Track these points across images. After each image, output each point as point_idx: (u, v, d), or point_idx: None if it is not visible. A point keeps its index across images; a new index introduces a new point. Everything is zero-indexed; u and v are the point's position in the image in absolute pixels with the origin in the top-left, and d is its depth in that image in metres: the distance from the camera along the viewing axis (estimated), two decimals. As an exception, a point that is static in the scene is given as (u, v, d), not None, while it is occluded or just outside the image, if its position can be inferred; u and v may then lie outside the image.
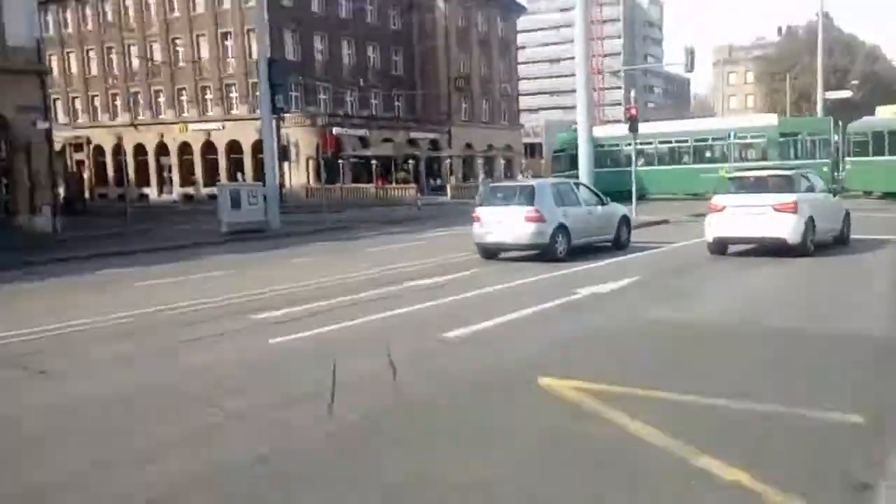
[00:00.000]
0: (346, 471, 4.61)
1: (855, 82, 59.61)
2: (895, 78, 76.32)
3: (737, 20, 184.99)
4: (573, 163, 39.98)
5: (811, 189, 14.42)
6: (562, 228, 14.41)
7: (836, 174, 33.34)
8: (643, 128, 38.97)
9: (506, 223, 14.47)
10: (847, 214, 15.41)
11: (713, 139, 36.69)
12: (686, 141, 37.28)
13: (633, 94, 29.90)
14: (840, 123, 35.80)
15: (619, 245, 16.07)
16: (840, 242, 15.07)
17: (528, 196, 14.57)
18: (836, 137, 34.92)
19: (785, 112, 64.98)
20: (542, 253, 14.37)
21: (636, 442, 4.83)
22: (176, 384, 6.68)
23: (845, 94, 46.72)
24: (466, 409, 5.72)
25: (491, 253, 15.15)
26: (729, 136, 36.04)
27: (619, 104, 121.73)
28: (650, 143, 36.46)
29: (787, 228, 13.20)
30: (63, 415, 5.99)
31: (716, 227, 14.02)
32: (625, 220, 16.51)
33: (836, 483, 4.22)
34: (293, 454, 4.91)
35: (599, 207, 15.91)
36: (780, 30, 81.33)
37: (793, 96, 66.65)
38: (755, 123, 36.85)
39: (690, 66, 34.21)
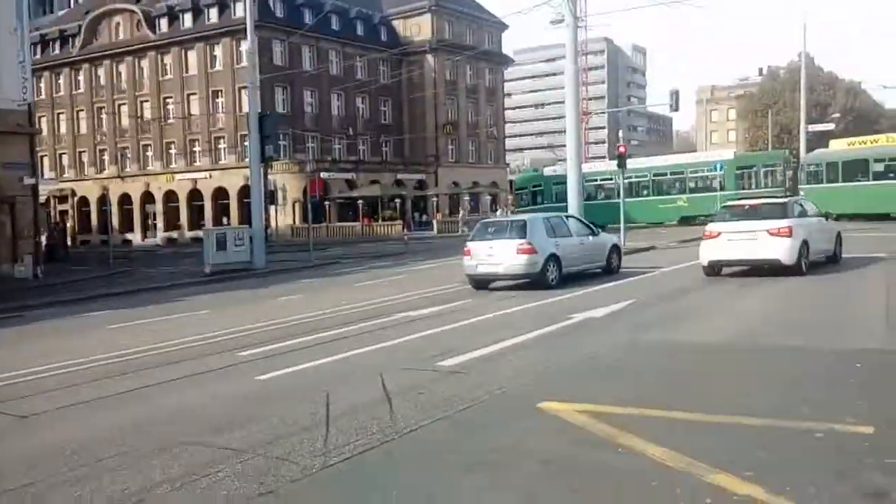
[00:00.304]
0: None
1: (836, 116, 60.62)
2: (874, 111, 77.72)
3: (718, 63, 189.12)
4: (534, 199, 43.09)
5: (804, 214, 14.74)
6: (553, 258, 14.44)
7: None
8: (605, 165, 42.20)
9: (498, 255, 14.44)
10: (839, 236, 15.83)
11: (671, 174, 39.29)
12: (645, 176, 39.70)
13: (620, 133, 30.36)
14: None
15: (609, 271, 16.18)
16: (832, 261, 15.41)
17: (520, 230, 14.61)
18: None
19: (767, 144, 65.98)
20: (534, 282, 14.33)
21: (647, 462, 4.60)
22: (163, 424, 6.36)
23: (828, 126, 47.50)
24: (468, 437, 5.44)
25: (482, 284, 15.11)
26: (715, 167, 37.68)
27: (604, 142, 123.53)
28: (610, 179, 39.12)
29: (782, 250, 13.49)
30: (46, 460, 5.59)
31: (711, 251, 14.30)
32: (615, 249, 16.71)
33: (851, 493, 4.02)
34: (291, 490, 4.60)
35: (590, 237, 16.03)
36: (760, 70, 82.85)
37: (774, 130, 67.64)
38: (712, 158, 39.31)
39: (675, 107, 35.59)
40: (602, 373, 7.24)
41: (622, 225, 24.10)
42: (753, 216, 14.24)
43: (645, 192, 39.72)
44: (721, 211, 15.61)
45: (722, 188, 35.73)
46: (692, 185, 38.12)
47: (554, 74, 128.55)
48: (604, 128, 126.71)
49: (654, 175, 39.97)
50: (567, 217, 17.09)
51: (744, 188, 35.11)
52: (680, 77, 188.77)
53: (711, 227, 14.50)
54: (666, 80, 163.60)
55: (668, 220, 37.15)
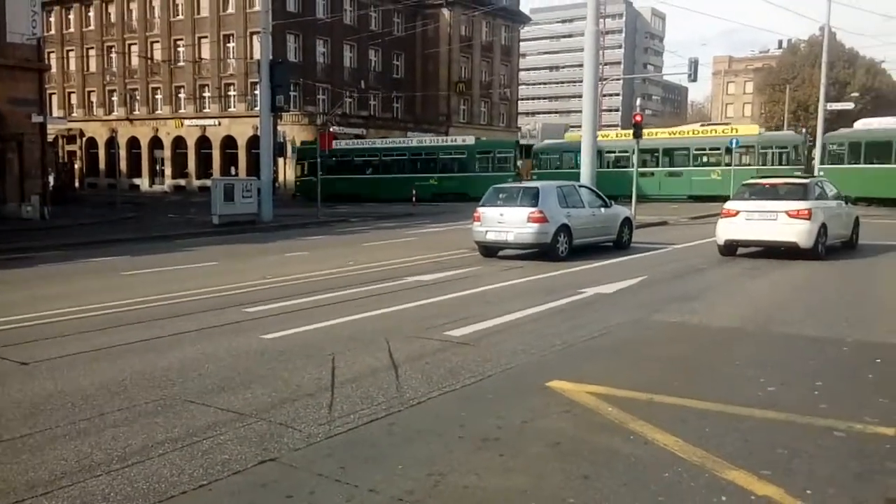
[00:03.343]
0: (352, 477, 4.23)
1: (855, 94, 59.64)
2: (894, 92, 76.50)
3: (737, 34, 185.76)
4: (312, 170, 43.08)
5: (824, 196, 14.45)
6: (564, 228, 14.25)
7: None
8: (375, 143, 45.79)
9: (508, 222, 14.26)
10: (857, 221, 15.61)
11: (425, 154, 42.96)
12: (405, 154, 43.39)
13: (638, 102, 30.04)
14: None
15: (620, 245, 15.99)
16: (849, 247, 15.23)
17: (533, 197, 14.37)
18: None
19: (783, 121, 65.10)
20: (543, 252, 14.19)
21: (659, 452, 4.50)
22: (167, 380, 6.27)
23: (847, 105, 46.63)
24: (475, 413, 5.33)
25: (491, 251, 15.00)
26: (461, 150, 42.01)
27: (618, 110, 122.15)
28: (376, 156, 43.91)
29: (801, 233, 13.34)
30: (46, 410, 5.52)
31: (728, 230, 14.12)
32: (627, 222, 16.43)
33: (874, 498, 3.89)
34: (293, 459, 4.52)
35: (602, 209, 15.74)
36: (780, 43, 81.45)
37: (791, 106, 66.69)
38: (458, 143, 43.23)
39: (694, 77, 35.56)
40: (612, 353, 7.11)
41: (633, 198, 23.76)
42: (773, 196, 14.00)
43: (406, 167, 42.63)
44: (741, 189, 15.35)
45: (464, 170, 40.26)
46: (442, 165, 41.78)
47: (570, 36, 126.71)
48: (618, 95, 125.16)
49: (412, 154, 43.11)
50: (579, 187, 16.58)
51: (482, 171, 40.16)
52: (696, 46, 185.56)
53: (730, 206, 14.26)
54: (683, 48, 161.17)
55: (423, 197, 38.75)
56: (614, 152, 39.96)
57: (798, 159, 36.24)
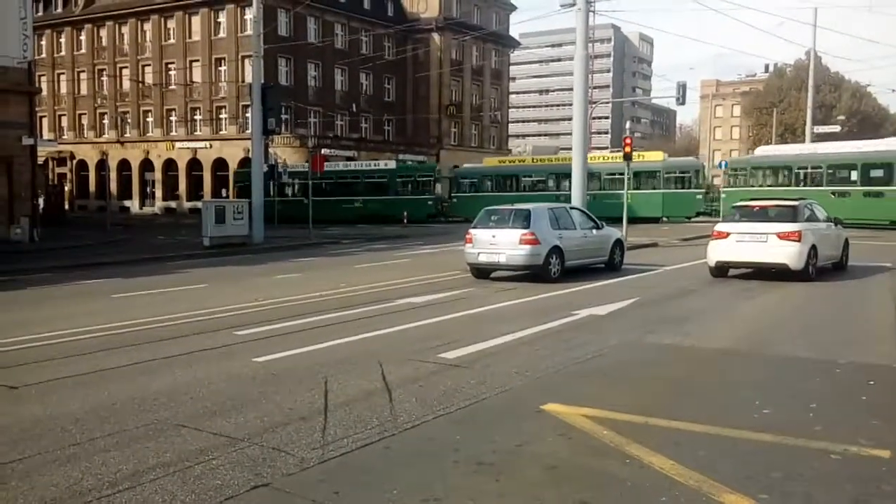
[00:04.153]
0: (346, 502, 4.19)
1: (841, 118, 60.32)
2: (879, 114, 77.48)
3: (724, 58, 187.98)
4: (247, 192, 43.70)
5: (814, 219, 14.55)
6: (556, 250, 14.27)
7: (442, 205, 44.55)
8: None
9: (500, 244, 14.29)
10: (846, 242, 15.70)
11: (350, 178, 44.77)
12: (332, 178, 43.75)
13: (628, 125, 30.32)
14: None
15: (612, 267, 16.01)
16: (839, 268, 15.32)
17: (524, 219, 14.40)
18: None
19: (770, 143, 65.71)
20: (536, 274, 14.20)
21: (655, 475, 4.47)
22: (158, 403, 6.20)
23: (833, 128, 47.12)
24: (470, 436, 5.29)
25: (483, 273, 15.01)
26: (384, 174, 44.28)
27: (607, 133, 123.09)
28: (306, 181, 45.09)
29: (791, 255, 13.41)
30: (36, 435, 5.44)
31: (719, 251, 14.19)
32: (618, 244, 16.46)
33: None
34: (286, 484, 4.47)
35: (594, 231, 15.79)
36: (767, 67, 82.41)
37: (779, 129, 67.35)
38: (381, 167, 45.55)
39: (682, 100, 35.69)
40: (606, 375, 7.10)
41: (625, 220, 23.81)
42: (763, 218, 14.10)
43: (334, 192, 43.50)
44: (731, 212, 15.46)
45: (386, 193, 42.42)
46: (367, 189, 43.85)
47: (559, 60, 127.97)
48: (607, 118, 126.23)
49: (339, 178, 43.90)
50: (571, 209, 16.71)
51: (403, 193, 42.53)
52: (684, 70, 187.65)
53: (721, 228, 14.36)
54: (671, 72, 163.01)
55: (349, 218, 40.48)
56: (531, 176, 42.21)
57: (699, 184, 38.58)
